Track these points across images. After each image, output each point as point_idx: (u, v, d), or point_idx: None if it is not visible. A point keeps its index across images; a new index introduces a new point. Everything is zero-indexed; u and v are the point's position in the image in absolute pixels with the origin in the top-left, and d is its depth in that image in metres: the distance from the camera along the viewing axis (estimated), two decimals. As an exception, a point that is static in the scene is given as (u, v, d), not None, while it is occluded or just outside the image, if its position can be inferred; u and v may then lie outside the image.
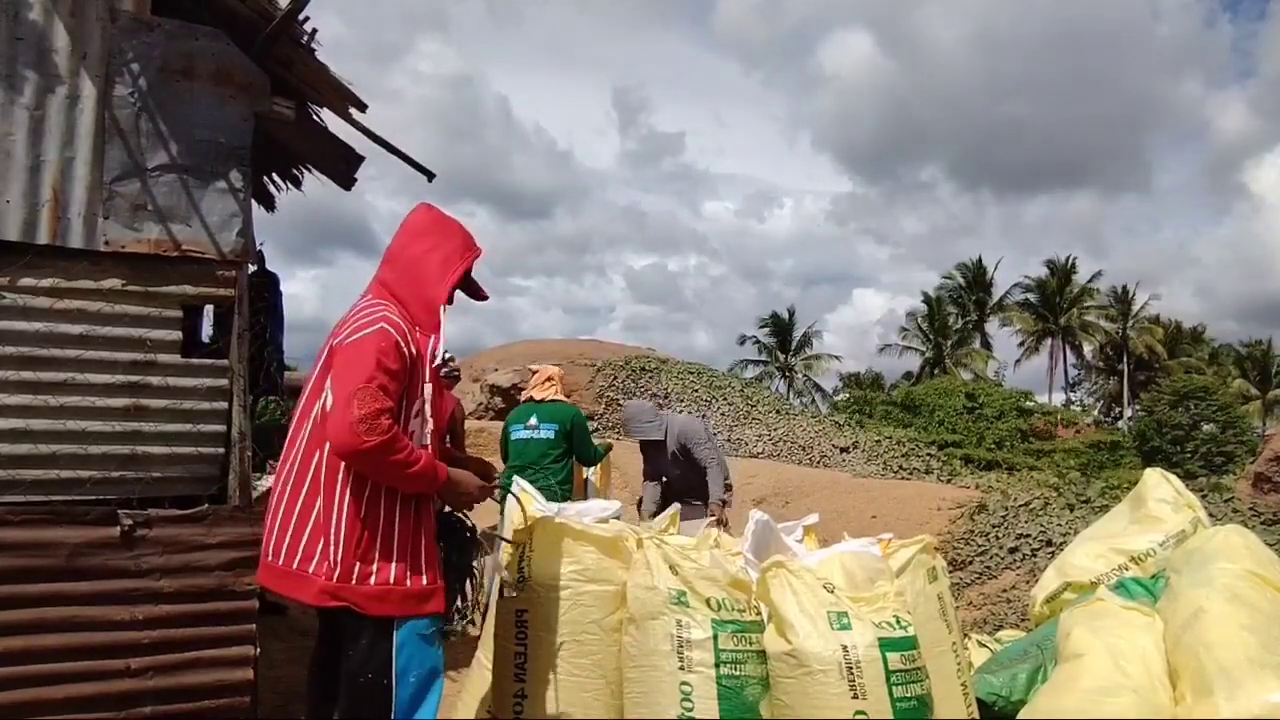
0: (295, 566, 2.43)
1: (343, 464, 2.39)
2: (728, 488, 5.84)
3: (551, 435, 5.38)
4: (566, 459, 5.42)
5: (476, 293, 2.78)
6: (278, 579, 2.48)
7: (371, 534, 2.39)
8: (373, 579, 2.37)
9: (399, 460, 2.34)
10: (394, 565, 2.40)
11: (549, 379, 5.61)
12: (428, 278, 2.58)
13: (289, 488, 2.49)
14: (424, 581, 2.45)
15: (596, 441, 6.01)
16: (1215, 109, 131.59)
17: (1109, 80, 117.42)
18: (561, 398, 5.58)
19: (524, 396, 5.76)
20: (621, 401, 15.58)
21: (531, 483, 5.18)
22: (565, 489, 5.27)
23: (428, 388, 2.52)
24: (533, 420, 5.46)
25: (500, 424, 7.14)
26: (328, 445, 2.40)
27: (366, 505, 2.39)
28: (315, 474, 2.44)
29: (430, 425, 2.55)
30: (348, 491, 2.39)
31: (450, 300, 2.63)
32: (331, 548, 2.38)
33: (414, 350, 2.47)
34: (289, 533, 2.45)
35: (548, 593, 2.93)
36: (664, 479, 6.01)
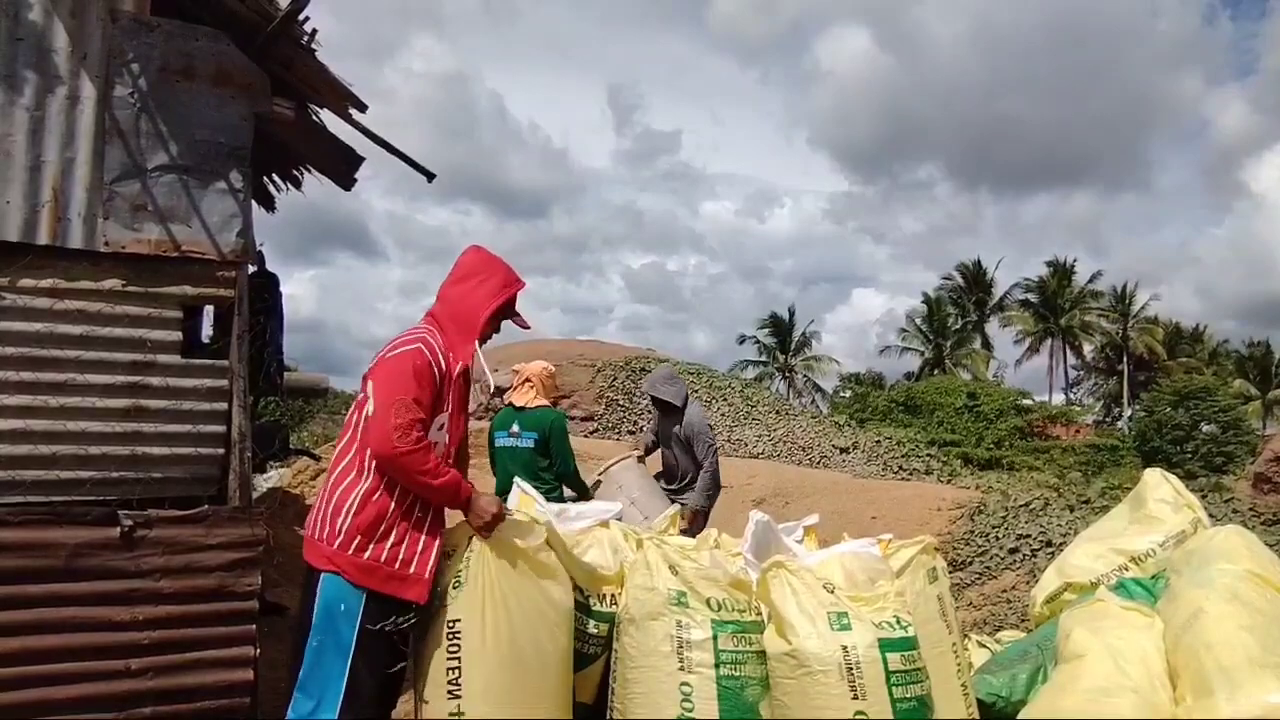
0: (315, 535, 2.74)
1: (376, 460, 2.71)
2: (710, 498, 5.80)
3: (532, 444, 5.20)
4: (549, 466, 5.22)
5: (519, 322, 3.09)
6: (305, 546, 2.79)
7: (378, 518, 2.69)
8: (366, 554, 2.67)
9: (425, 470, 2.67)
10: (388, 548, 2.69)
11: (527, 381, 5.37)
12: (467, 312, 2.92)
13: (334, 474, 2.80)
14: (411, 569, 2.71)
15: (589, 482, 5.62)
16: (1215, 107, 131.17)
17: (1108, 78, 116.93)
18: (543, 402, 5.33)
19: (506, 400, 5.61)
20: (621, 402, 15.58)
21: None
22: (553, 498, 5.14)
23: (450, 407, 2.85)
24: (515, 428, 5.28)
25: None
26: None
27: (382, 493, 2.71)
28: (354, 464, 2.76)
29: (447, 437, 2.86)
30: (373, 480, 2.72)
31: (488, 330, 2.97)
32: (342, 520, 2.69)
33: (443, 370, 2.80)
34: (323, 509, 2.76)
35: (487, 598, 2.77)
36: (654, 451, 6.01)
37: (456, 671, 2.72)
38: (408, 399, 2.66)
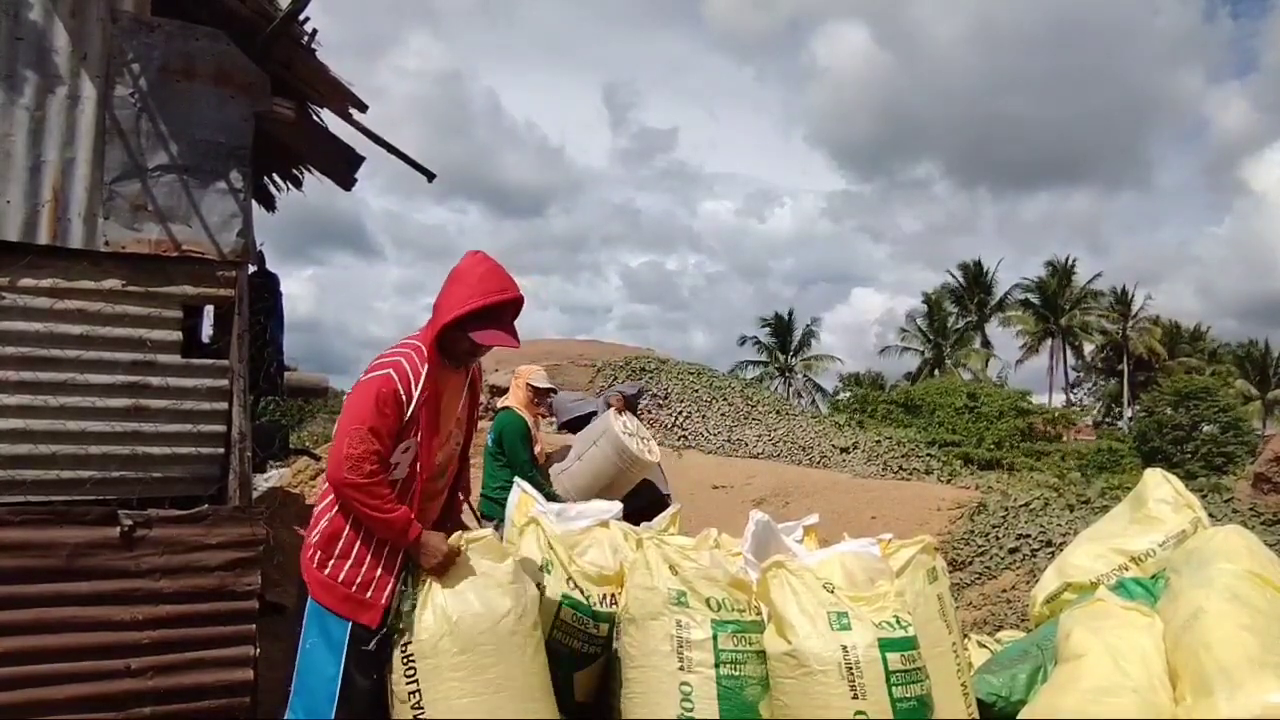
0: (305, 541, 2.81)
1: None
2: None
3: (491, 442, 5.47)
4: (504, 465, 5.40)
5: (502, 340, 2.75)
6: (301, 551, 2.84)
7: (335, 535, 2.72)
8: (326, 570, 2.71)
9: (373, 505, 2.64)
10: (348, 568, 2.70)
11: (512, 388, 5.72)
12: (436, 319, 2.75)
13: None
14: (367, 594, 2.69)
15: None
16: (1215, 105, 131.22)
17: (1108, 75, 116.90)
18: (510, 404, 5.59)
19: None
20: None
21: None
22: (502, 495, 5.21)
23: (445, 423, 2.80)
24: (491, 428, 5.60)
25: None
26: None
27: (338, 511, 2.73)
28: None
29: (411, 458, 2.75)
30: (334, 496, 2.74)
31: (459, 342, 2.72)
32: (314, 534, 2.75)
33: (411, 396, 2.67)
34: (314, 519, 2.82)
35: (441, 619, 2.72)
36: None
37: (418, 695, 2.70)
38: (364, 429, 2.61)
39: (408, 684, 2.71)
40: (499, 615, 2.76)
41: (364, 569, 2.69)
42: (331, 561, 2.69)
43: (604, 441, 5.55)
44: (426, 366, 2.72)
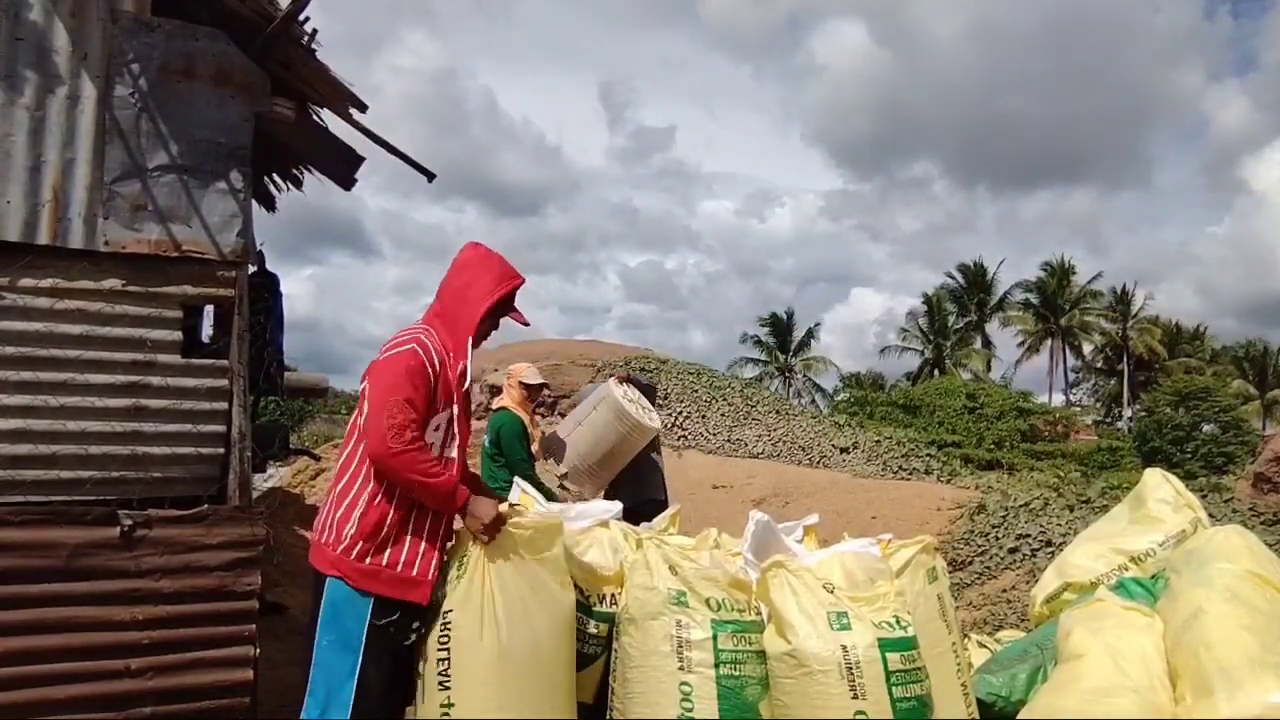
0: (320, 540, 2.77)
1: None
2: None
3: (488, 443, 5.51)
4: (503, 465, 5.45)
5: (518, 318, 3.04)
6: (310, 550, 2.81)
7: (380, 522, 2.70)
8: (368, 559, 2.69)
9: (420, 471, 2.66)
10: (390, 552, 2.71)
11: (505, 388, 5.75)
12: (462, 309, 2.88)
13: (338, 479, 2.82)
14: (414, 572, 2.73)
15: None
16: (1215, 104, 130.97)
17: (1108, 75, 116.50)
18: (505, 404, 5.64)
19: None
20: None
21: None
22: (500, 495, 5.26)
23: (455, 408, 2.84)
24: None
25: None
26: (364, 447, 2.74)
27: (383, 498, 2.72)
28: (357, 469, 2.77)
29: (456, 440, 2.86)
30: (374, 485, 2.73)
31: (485, 328, 2.94)
32: (348, 526, 2.71)
33: (438, 370, 2.78)
34: (329, 513, 2.79)
35: (484, 591, 2.77)
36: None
37: (446, 663, 2.73)
38: (400, 399, 2.65)
39: (439, 650, 2.73)
40: (547, 602, 2.81)
41: (406, 549, 2.72)
42: (374, 550, 2.69)
43: (604, 406, 5.51)
44: (469, 349, 2.85)
